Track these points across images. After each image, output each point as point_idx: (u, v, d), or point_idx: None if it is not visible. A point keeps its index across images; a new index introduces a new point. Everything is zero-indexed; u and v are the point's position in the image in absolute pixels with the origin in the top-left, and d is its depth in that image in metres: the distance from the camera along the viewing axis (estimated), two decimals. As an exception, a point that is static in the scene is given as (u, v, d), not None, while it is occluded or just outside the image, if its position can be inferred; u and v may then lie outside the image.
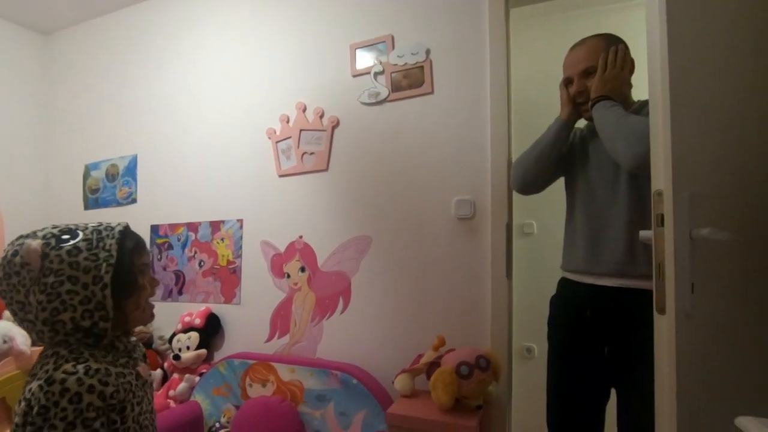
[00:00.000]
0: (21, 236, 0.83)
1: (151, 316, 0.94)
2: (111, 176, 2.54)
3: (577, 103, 1.30)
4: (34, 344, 1.85)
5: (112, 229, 0.88)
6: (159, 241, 2.36)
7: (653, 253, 0.89)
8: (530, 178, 1.39)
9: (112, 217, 2.52)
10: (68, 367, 0.77)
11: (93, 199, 2.60)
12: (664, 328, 0.87)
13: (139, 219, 2.42)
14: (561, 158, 1.37)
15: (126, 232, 0.90)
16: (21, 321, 0.83)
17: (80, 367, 0.77)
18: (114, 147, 2.57)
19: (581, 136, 1.38)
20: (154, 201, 2.42)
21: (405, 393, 1.58)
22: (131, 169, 2.48)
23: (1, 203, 2.53)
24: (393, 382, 1.63)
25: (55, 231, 0.83)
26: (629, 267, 1.16)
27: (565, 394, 1.31)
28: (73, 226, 0.86)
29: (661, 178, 0.88)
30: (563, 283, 1.38)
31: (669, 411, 0.85)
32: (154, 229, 2.38)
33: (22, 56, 2.76)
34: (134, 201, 2.46)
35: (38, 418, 0.72)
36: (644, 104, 1.19)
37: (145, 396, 0.90)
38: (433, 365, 1.56)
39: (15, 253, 0.80)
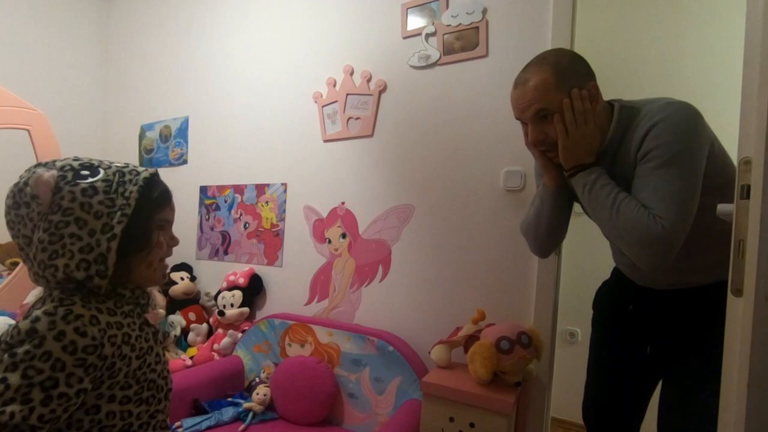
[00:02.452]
0: (39, 164, 0.74)
1: (163, 277, 0.84)
2: (164, 137, 2.63)
3: (544, 151, 1.04)
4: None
5: (138, 174, 0.78)
6: (207, 201, 2.43)
7: (733, 229, 0.79)
8: (550, 247, 1.20)
9: (164, 177, 2.59)
10: (49, 307, 0.68)
11: (147, 159, 2.71)
12: (740, 313, 0.78)
13: (189, 180, 2.51)
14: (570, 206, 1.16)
15: (152, 181, 0.81)
16: (25, 257, 0.74)
17: (61, 310, 0.67)
18: (167, 108, 2.65)
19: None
20: (203, 162, 2.48)
21: (441, 364, 1.56)
22: (183, 130, 2.55)
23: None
24: (429, 353, 1.62)
25: (75, 164, 0.74)
26: (672, 279, 1.07)
27: (603, 386, 1.25)
28: (96, 162, 0.77)
29: (751, 143, 0.77)
30: (615, 271, 1.30)
31: (737, 406, 0.77)
32: (203, 189, 2.45)
33: (83, 19, 2.87)
34: (185, 162, 2.54)
35: (0, 353, 0.65)
36: (628, 110, 0.99)
37: (152, 348, 0.80)
38: (472, 338, 1.52)
39: (27, 182, 0.71)
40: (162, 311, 0.90)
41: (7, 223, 0.74)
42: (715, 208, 0.92)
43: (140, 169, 0.81)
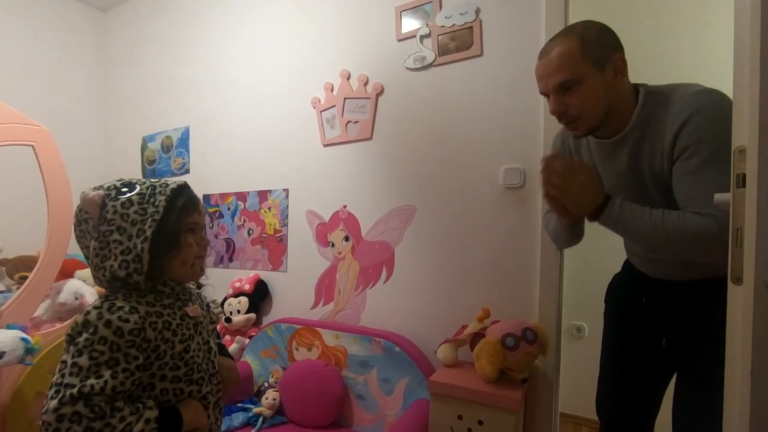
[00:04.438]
0: (94, 187, 0.89)
1: (201, 271, 0.96)
2: (166, 147, 2.65)
3: (566, 123, 1.01)
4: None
5: (167, 186, 0.91)
6: (210, 210, 2.45)
7: (731, 218, 0.80)
8: (574, 244, 1.22)
9: (167, 187, 2.63)
10: (97, 302, 0.82)
11: (150, 170, 2.73)
12: (740, 301, 0.78)
13: (192, 188, 2.51)
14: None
15: (179, 190, 0.92)
16: (89, 264, 0.89)
17: (106, 304, 0.81)
18: (168, 119, 2.67)
19: (578, 149, 1.16)
20: (205, 171, 2.50)
21: (448, 363, 1.57)
22: (184, 140, 2.57)
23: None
24: (436, 352, 1.62)
25: (118, 183, 0.90)
26: (685, 271, 1.07)
27: (618, 380, 1.24)
28: (135, 180, 0.91)
29: (744, 132, 0.78)
30: (626, 264, 1.28)
31: (741, 394, 0.78)
32: (206, 198, 2.47)
33: (82, 32, 2.91)
34: (187, 171, 2.56)
35: (66, 345, 0.79)
36: (654, 95, 0.96)
37: (196, 335, 0.92)
38: (477, 336, 1.53)
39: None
40: (199, 307, 0.98)
41: (76, 238, 0.92)
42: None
43: (170, 181, 0.93)
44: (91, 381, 0.74)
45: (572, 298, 1.94)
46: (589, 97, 0.94)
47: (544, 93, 1.00)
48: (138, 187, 0.89)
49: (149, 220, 0.85)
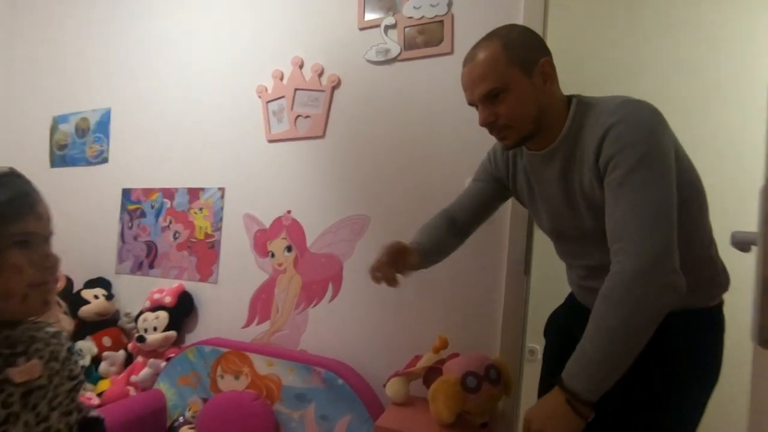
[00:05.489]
0: None
1: (44, 306, 0.65)
2: (81, 131, 2.27)
3: (498, 136, 0.94)
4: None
5: None
6: (130, 207, 2.11)
7: (757, 264, 0.64)
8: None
9: (80, 177, 2.26)
10: None
11: (60, 156, 2.33)
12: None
13: (110, 181, 2.18)
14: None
15: (1, 181, 0.63)
16: None
17: None
18: (86, 98, 2.29)
19: (514, 164, 1.06)
20: (127, 162, 2.17)
21: (397, 400, 1.36)
22: (104, 124, 2.21)
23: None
24: (384, 386, 1.41)
25: None
26: None
27: None
28: None
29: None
30: (569, 295, 1.17)
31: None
32: (126, 193, 2.13)
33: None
34: (105, 161, 2.21)
35: None
36: (584, 106, 0.89)
37: (24, 411, 0.63)
38: (433, 370, 1.33)
39: None
40: (37, 364, 0.63)
41: None
42: (686, 224, 0.79)
43: None
44: None
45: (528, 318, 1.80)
46: (518, 105, 0.87)
47: (472, 103, 0.94)
48: None
49: None
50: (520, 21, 1.44)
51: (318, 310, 1.71)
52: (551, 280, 1.96)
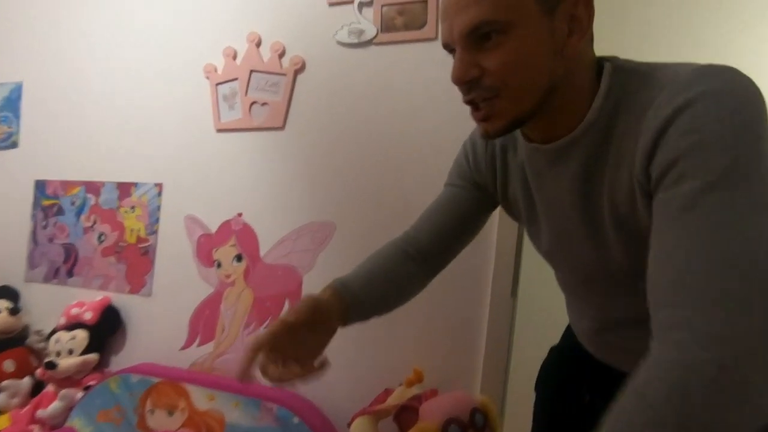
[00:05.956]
0: None
1: None
2: (-16, 109, 1.91)
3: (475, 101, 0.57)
4: None
5: None
6: (45, 202, 1.80)
7: None
8: None
9: (-18, 163, 1.89)
10: None
11: (-42, 137, 1.95)
12: None
13: (20, 170, 1.86)
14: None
15: None
16: None
17: None
18: (-9, 69, 1.93)
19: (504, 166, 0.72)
20: (41, 148, 1.85)
21: (364, 444, 1.16)
22: (13, 101, 1.88)
23: None
24: (349, 425, 1.23)
25: None
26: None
27: None
28: None
29: None
30: (568, 333, 0.87)
31: None
32: (40, 185, 1.81)
33: None
34: (14, 145, 1.88)
35: None
36: (626, 75, 0.55)
37: None
38: (407, 409, 1.15)
39: None
40: None
41: None
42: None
43: None
44: None
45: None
46: (522, 57, 0.52)
47: (448, 45, 0.57)
48: None
49: None
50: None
51: (272, 331, 1.48)
52: (543, 301, 1.82)
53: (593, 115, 0.55)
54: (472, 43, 0.53)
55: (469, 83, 0.54)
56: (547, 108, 0.55)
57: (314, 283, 1.45)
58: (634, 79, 0.54)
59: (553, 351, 0.92)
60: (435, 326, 1.32)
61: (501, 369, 1.28)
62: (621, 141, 0.53)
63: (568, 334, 0.87)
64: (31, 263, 1.79)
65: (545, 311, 1.84)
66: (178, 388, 1.39)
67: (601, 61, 0.57)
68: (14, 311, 1.69)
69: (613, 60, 0.57)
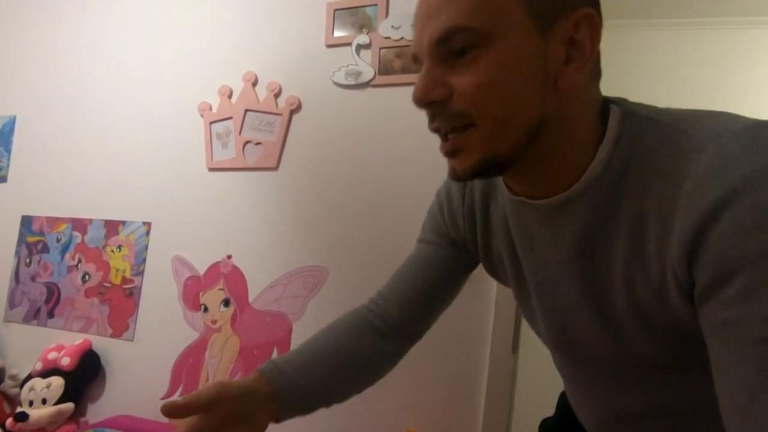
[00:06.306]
0: None
1: None
2: (-25, 141, 1.88)
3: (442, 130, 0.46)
4: None
5: None
6: (30, 239, 1.73)
7: None
8: None
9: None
10: None
11: (-53, 170, 1.91)
12: None
13: (7, 205, 1.80)
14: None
15: None
16: None
17: None
18: (-15, 102, 1.91)
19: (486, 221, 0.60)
20: (30, 183, 1.79)
21: None
22: (5, 134, 1.84)
23: None
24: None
25: None
26: None
27: None
28: None
29: None
30: (563, 405, 0.76)
31: None
32: (26, 222, 1.75)
33: None
34: (3, 179, 1.83)
35: None
36: (641, 125, 0.43)
37: None
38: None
39: None
40: None
41: None
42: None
43: None
44: None
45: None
46: (501, 77, 0.41)
47: (416, 57, 0.46)
48: None
49: None
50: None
51: (258, 382, 1.40)
52: (547, 357, 1.74)
53: (598, 168, 0.44)
54: (444, 56, 0.42)
55: (432, 105, 0.43)
56: (535, 153, 0.44)
57: (304, 332, 1.37)
58: (650, 129, 0.43)
59: (546, 427, 0.80)
60: (430, 384, 1.24)
61: (502, 427, 1.19)
62: (637, 209, 0.42)
63: (564, 404, 0.73)
64: (12, 302, 1.72)
65: (550, 368, 1.75)
66: (155, 445, 1.30)
67: (605, 103, 0.47)
68: None
69: (621, 103, 0.46)
